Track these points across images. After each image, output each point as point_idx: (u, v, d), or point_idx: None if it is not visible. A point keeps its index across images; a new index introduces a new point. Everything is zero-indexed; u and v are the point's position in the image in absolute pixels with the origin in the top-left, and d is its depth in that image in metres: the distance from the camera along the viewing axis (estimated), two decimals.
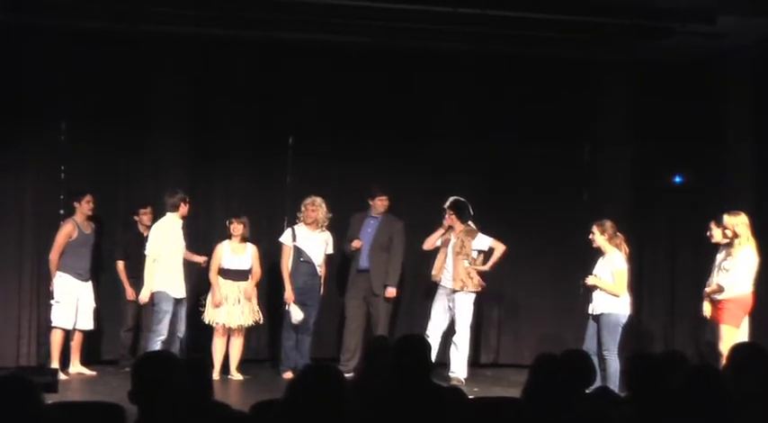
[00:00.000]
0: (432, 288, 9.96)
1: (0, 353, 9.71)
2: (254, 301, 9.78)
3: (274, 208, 10.72)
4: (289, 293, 9.70)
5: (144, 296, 9.42)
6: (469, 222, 9.77)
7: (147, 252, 9.38)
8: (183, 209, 9.47)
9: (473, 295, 9.70)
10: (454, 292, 9.65)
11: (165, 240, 9.36)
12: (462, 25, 9.31)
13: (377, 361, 5.33)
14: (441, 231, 9.80)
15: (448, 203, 9.74)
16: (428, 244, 9.88)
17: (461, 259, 9.62)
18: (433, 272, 9.80)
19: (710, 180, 10.56)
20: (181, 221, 9.50)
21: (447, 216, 9.73)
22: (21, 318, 9.85)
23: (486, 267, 9.72)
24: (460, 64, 10.71)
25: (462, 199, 9.75)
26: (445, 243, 9.75)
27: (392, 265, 9.94)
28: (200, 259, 9.70)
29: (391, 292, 9.90)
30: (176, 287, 9.38)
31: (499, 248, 9.71)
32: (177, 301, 9.39)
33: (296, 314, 9.65)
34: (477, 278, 9.67)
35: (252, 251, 9.79)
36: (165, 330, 9.33)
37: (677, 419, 4.38)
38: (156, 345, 9.24)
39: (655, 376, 4.67)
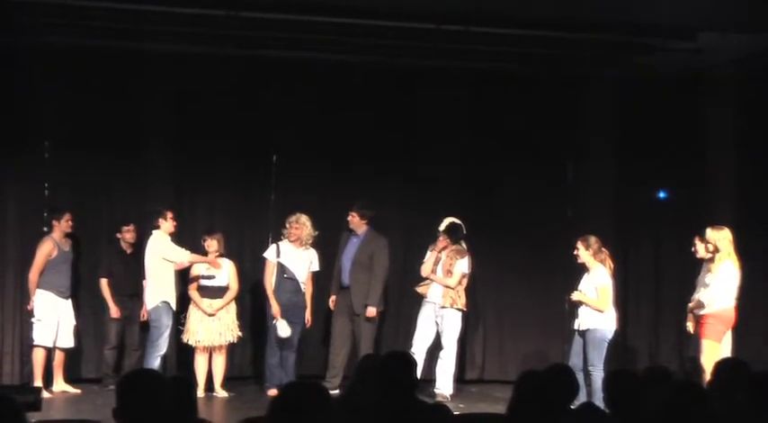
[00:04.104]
0: (417, 303, 9.96)
1: None
2: (233, 317, 9.76)
3: (258, 226, 10.69)
4: (275, 308, 9.67)
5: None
6: (461, 242, 9.77)
7: (152, 269, 9.44)
8: (166, 225, 9.51)
9: (461, 312, 9.69)
10: (443, 308, 9.65)
11: (170, 248, 9.45)
12: (446, 42, 9.34)
13: (364, 378, 5.32)
14: (435, 254, 9.72)
15: (443, 227, 9.71)
16: (425, 271, 9.73)
17: (449, 277, 9.63)
18: (419, 287, 9.81)
19: (694, 195, 10.61)
20: (168, 237, 9.52)
21: (441, 238, 9.71)
22: (4, 336, 9.80)
23: (423, 287, 9.72)
24: (444, 81, 10.74)
25: (457, 221, 9.68)
26: (437, 261, 9.74)
27: (373, 284, 9.85)
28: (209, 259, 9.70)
29: (371, 311, 9.81)
30: (174, 300, 9.51)
31: (451, 280, 9.60)
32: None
33: (283, 329, 9.61)
34: (464, 298, 9.67)
35: (228, 267, 9.78)
36: (165, 346, 9.40)
37: None
38: (156, 361, 9.28)
39: (634, 392, 4.68)
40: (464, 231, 9.72)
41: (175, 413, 4.02)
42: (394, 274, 10.24)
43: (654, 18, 8.73)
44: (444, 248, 9.67)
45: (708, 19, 8.75)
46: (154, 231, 9.55)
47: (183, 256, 9.50)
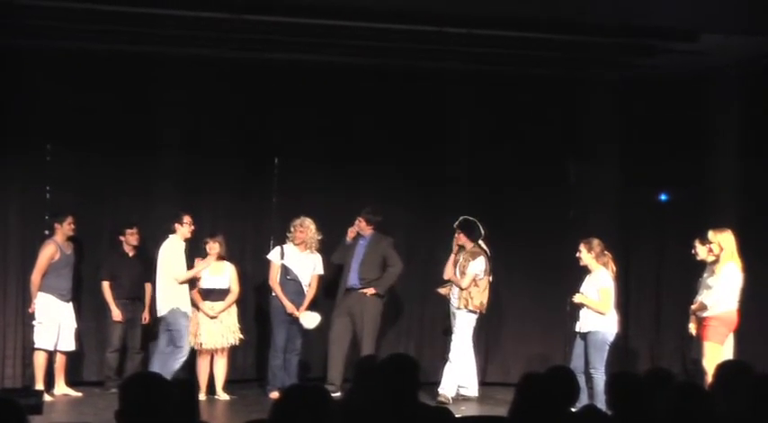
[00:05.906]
0: (422, 304, 9.94)
1: None
2: (234, 319, 9.75)
3: (260, 228, 10.71)
4: (289, 306, 9.68)
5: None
6: (480, 242, 9.78)
7: (163, 274, 9.41)
8: (182, 230, 9.48)
9: (474, 315, 9.71)
10: (458, 309, 9.69)
11: (175, 260, 9.42)
12: (448, 45, 9.34)
13: (365, 381, 5.31)
14: (453, 255, 9.79)
15: (457, 223, 9.75)
16: (447, 273, 9.84)
17: (464, 277, 9.65)
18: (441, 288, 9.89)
19: (696, 197, 10.59)
20: (183, 243, 9.50)
21: (456, 235, 9.73)
22: (6, 339, 9.81)
23: (445, 289, 9.81)
24: (447, 84, 10.75)
25: (471, 218, 9.76)
26: (455, 262, 9.77)
27: (390, 272, 9.93)
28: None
29: (370, 290, 9.85)
30: (187, 304, 9.45)
31: (463, 281, 9.65)
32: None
33: (308, 321, 9.66)
34: (479, 299, 9.67)
35: (230, 270, 9.77)
36: (187, 348, 9.36)
37: None
38: (179, 363, 9.24)
39: (636, 395, 4.68)
40: (481, 231, 9.73)
41: (177, 416, 4.01)
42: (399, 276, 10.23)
43: (656, 20, 8.73)
44: (462, 246, 9.69)
45: (710, 21, 8.75)
46: (170, 235, 9.54)
47: (179, 275, 9.43)
